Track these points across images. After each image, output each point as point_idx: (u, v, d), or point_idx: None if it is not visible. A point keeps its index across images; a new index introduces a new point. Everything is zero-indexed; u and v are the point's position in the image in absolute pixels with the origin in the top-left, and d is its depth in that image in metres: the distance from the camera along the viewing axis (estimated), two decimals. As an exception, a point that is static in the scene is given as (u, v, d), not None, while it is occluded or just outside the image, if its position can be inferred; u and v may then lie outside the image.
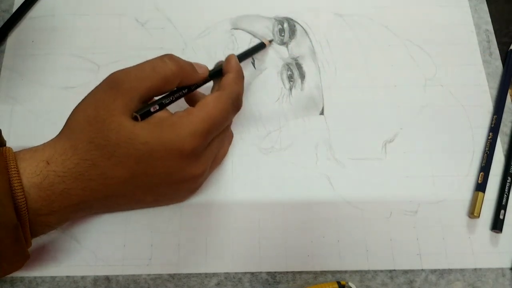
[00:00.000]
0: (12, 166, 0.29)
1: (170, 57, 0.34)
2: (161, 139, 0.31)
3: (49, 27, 0.46)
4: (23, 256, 0.31)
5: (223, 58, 0.45)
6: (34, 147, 0.31)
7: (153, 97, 0.33)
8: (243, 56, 0.41)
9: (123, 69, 0.33)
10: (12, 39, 0.46)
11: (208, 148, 0.35)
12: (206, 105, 0.33)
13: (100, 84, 0.33)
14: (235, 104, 0.35)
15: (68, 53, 0.45)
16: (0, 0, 0.48)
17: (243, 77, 0.38)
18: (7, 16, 0.46)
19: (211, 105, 0.33)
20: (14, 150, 0.31)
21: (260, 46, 0.44)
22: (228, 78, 0.36)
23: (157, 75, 0.32)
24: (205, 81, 0.37)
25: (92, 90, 0.33)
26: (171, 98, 0.34)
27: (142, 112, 0.32)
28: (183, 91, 0.35)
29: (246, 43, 0.46)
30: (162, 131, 0.31)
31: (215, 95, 0.34)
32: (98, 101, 0.32)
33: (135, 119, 0.32)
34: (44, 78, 0.44)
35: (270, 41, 0.45)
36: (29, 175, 0.30)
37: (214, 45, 0.46)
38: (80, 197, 0.31)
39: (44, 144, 0.32)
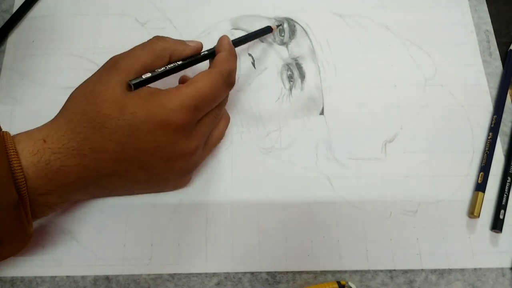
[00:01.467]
0: (11, 147, 0.30)
1: (158, 37, 0.36)
2: (149, 111, 0.32)
3: (49, 27, 0.46)
4: (25, 236, 0.31)
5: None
6: (33, 129, 0.33)
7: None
8: (248, 38, 0.41)
9: (119, 53, 0.35)
10: (12, 39, 0.46)
11: (199, 124, 0.35)
12: (195, 81, 0.34)
13: (99, 68, 0.35)
14: (227, 81, 0.36)
15: (68, 53, 0.45)
16: (0, 0, 0.48)
17: (235, 55, 0.38)
18: (7, 16, 0.46)
19: (200, 80, 0.34)
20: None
21: (267, 30, 0.44)
22: (220, 56, 0.36)
23: (147, 52, 0.34)
24: (198, 60, 0.37)
25: (92, 74, 0.35)
26: (164, 68, 0.35)
27: (136, 81, 0.33)
28: (177, 63, 0.36)
29: (246, 43, 0.45)
30: (150, 103, 0.32)
31: (205, 71, 0.35)
32: (96, 78, 0.34)
33: (129, 88, 0.33)
34: (44, 78, 0.44)
35: (278, 26, 0.44)
36: (27, 154, 0.31)
37: (214, 45, 0.45)
38: (75, 175, 0.32)
39: (42, 125, 0.33)
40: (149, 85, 0.34)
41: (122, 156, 0.33)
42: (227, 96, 0.37)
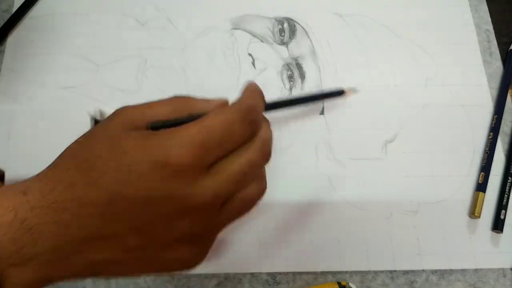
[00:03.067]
0: None
1: (178, 95, 0.30)
2: (143, 149, 0.26)
3: (49, 27, 0.46)
4: None
5: (222, 58, 0.45)
6: (21, 180, 0.27)
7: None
8: (315, 97, 0.38)
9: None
10: (12, 39, 0.46)
11: (214, 168, 0.27)
12: (204, 117, 0.28)
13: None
14: (246, 117, 0.28)
15: (68, 53, 0.45)
16: (0, 0, 0.48)
17: (259, 92, 0.31)
18: (7, 16, 0.46)
19: (210, 116, 0.27)
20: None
21: (337, 93, 0.39)
22: (241, 95, 0.30)
23: (164, 103, 0.29)
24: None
25: None
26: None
27: (157, 124, 0.28)
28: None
29: (246, 43, 0.46)
30: (147, 140, 0.26)
31: (217, 107, 0.29)
32: (99, 124, 0.29)
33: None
34: (44, 78, 0.44)
35: (353, 91, 0.40)
36: (2, 211, 0.25)
37: (214, 45, 0.45)
38: (53, 237, 0.26)
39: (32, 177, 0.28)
40: None
41: (109, 210, 0.26)
42: (265, 142, 0.29)
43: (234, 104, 0.28)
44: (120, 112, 0.28)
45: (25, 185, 0.26)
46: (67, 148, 0.28)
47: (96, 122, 0.32)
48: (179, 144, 0.26)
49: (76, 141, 0.28)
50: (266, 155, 0.29)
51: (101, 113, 0.33)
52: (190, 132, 0.26)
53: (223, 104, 0.29)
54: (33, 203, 0.25)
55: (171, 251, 0.28)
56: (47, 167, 0.28)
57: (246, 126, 0.28)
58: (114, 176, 0.26)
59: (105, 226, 0.26)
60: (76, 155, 0.27)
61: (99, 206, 0.26)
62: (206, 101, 0.29)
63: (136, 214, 0.26)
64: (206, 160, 0.26)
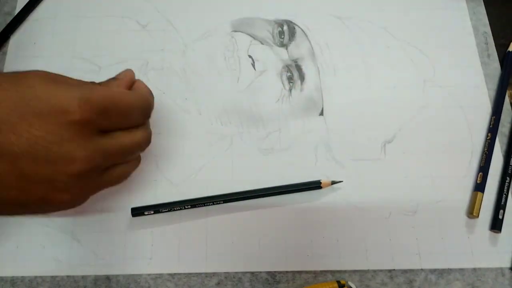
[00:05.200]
0: None
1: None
2: (50, 90, 0.27)
3: (51, 29, 0.47)
4: None
5: (223, 60, 0.46)
6: None
7: None
8: (294, 189, 0.39)
9: None
10: (14, 41, 0.46)
11: (106, 135, 0.30)
12: (111, 85, 0.32)
13: None
14: (144, 106, 0.33)
15: (70, 55, 0.45)
16: (3, 2, 0.48)
17: (151, 93, 0.35)
18: (9, 18, 0.47)
19: (119, 87, 0.32)
20: None
21: (315, 185, 0.40)
22: (142, 86, 0.35)
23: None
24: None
25: None
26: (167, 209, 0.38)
27: (137, 212, 0.37)
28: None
29: (246, 45, 0.46)
30: (55, 83, 0.27)
31: (127, 84, 0.33)
32: None
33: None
34: (45, 79, 0.44)
35: (332, 183, 0.40)
36: None
37: (214, 47, 0.46)
38: None
39: None
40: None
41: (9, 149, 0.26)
42: (148, 134, 0.34)
43: (140, 91, 0.33)
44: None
45: None
46: None
47: None
48: (86, 99, 0.27)
49: None
50: (148, 143, 0.34)
51: None
52: (99, 91, 0.28)
53: (131, 79, 0.34)
54: None
55: (47, 202, 0.29)
56: None
57: (141, 113, 0.32)
58: (12, 108, 0.26)
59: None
60: None
61: None
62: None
63: (24, 151, 0.26)
64: (101, 124, 0.29)
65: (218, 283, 0.37)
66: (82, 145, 0.28)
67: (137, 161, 0.35)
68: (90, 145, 0.28)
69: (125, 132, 0.31)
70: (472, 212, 0.39)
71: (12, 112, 0.26)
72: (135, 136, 0.32)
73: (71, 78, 0.30)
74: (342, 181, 0.40)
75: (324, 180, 0.40)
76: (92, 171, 0.29)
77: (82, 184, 0.29)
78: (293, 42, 0.46)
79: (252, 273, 0.37)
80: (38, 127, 0.26)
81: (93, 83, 0.31)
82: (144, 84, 0.35)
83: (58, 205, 0.30)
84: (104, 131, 0.30)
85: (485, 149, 0.42)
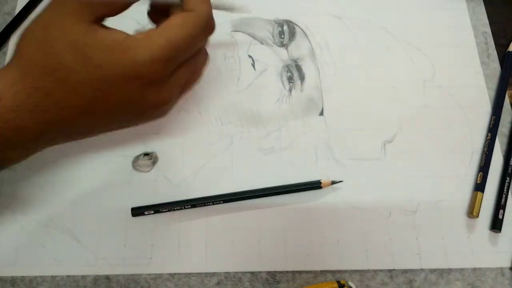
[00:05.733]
0: None
1: None
2: (115, 63, 0.28)
3: (51, 29, 0.47)
4: None
5: (223, 60, 0.46)
6: None
7: (106, 12, 0.31)
8: (294, 189, 0.40)
9: None
10: (14, 41, 0.46)
11: (174, 75, 0.31)
12: (169, 29, 0.30)
13: (47, 6, 0.30)
14: (207, 27, 0.32)
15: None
16: (3, 2, 0.48)
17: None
18: (9, 18, 0.47)
19: (175, 30, 0.30)
20: None
21: (315, 185, 0.40)
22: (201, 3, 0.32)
23: None
24: None
25: (37, 15, 0.30)
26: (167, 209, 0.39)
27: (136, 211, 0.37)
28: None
29: (246, 45, 0.46)
30: (117, 54, 0.29)
31: (180, 17, 0.31)
32: (45, 20, 0.29)
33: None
34: (45, 79, 0.44)
35: (332, 183, 0.40)
36: None
37: (214, 47, 0.46)
38: (38, 132, 0.29)
39: None
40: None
41: (90, 109, 0.29)
42: (207, 40, 0.34)
43: (193, 12, 0.31)
44: (62, 4, 0.29)
45: None
46: (24, 45, 0.29)
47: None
48: (149, 60, 0.29)
49: (32, 40, 0.29)
50: (206, 61, 0.35)
51: None
52: (158, 47, 0.29)
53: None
54: (12, 108, 0.28)
55: (142, 122, 0.33)
56: (12, 64, 0.29)
57: (206, 34, 0.33)
58: (91, 86, 0.29)
59: (86, 120, 0.30)
60: (44, 63, 0.28)
61: (80, 107, 0.29)
62: None
63: (114, 111, 0.30)
64: (171, 68, 0.31)
65: (218, 283, 0.37)
66: (161, 92, 0.31)
67: (204, 57, 0.36)
68: (167, 87, 0.31)
69: (189, 61, 0.32)
70: (472, 212, 0.39)
71: (94, 90, 0.29)
72: (196, 62, 0.34)
73: (124, 36, 0.30)
74: (342, 181, 0.40)
75: (324, 180, 0.40)
76: (172, 102, 0.33)
77: (166, 110, 0.33)
78: (293, 42, 0.46)
79: (252, 273, 0.37)
80: (121, 95, 0.29)
81: (149, 35, 0.30)
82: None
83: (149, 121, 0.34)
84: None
85: (485, 149, 0.42)
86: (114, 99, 0.29)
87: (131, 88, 0.29)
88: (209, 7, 0.32)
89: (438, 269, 0.38)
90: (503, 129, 0.43)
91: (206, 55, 0.36)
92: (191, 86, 0.35)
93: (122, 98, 0.30)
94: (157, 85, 0.30)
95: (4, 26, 0.46)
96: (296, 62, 0.45)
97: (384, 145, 0.42)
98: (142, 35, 0.29)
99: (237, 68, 0.45)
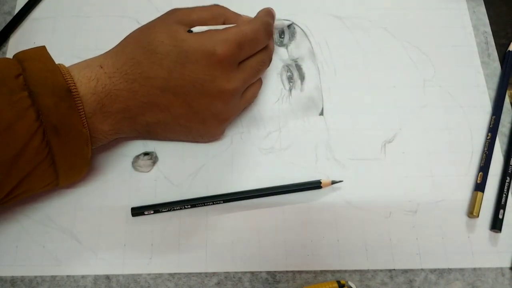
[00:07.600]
0: (69, 78, 0.33)
1: (217, 4, 0.43)
2: (197, 39, 0.35)
3: (51, 28, 0.47)
4: (82, 150, 0.34)
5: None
6: (87, 59, 0.36)
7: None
8: (294, 189, 0.40)
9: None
10: (14, 40, 0.46)
11: (242, 65, 0.37)
12: (240, 24, 0.38)
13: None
14: (267, 29, 0.39)
15: (69, 54, 0.45)
16: (2, 2, 0.48)
17: (273, 14, 0.41)
18: (9, 18, 0.47)
19: (243, 24, 0.37)
20: None
21: (315, 185, 0.40)
22: (260, 12, 0.41)
23: (206, 10, 0.39)
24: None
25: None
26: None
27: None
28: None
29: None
30: (200, 36, 0.35)
31: (247, 18, 0.40)
32: (154, 21, 0.38)
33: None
34: (45, 79, 0.44)
35: (332, 183, 0.40)
36: (86, 80, 0.34)
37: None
38: (124, 100, 0.35)
39: (97, 55, 0.36)
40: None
41: (168, 85, 0.35)
42: (270, 51, 0.41)
43: (257, 18, 0.39)
44: (173, 11, 0.38)
45: (100, 61, 0.35)
46: (130, 34, 0.37)
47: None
48: (224, 39, 0.35)
49: (138, 29, 0.37)
50: (270, 60, 0.41)
51: None
52: (231, 32, 0.36)
53: (249, 19, 0.40)
54: (110, 74, 0.34)
55: (206, 125, 0.38)
56: (115, 46, 0.37)
57: (266, 35, 0.39)
58: (174, 58, 0.35)
59: (164, 97, 0.35)
60: (140, 39, 0.36)
61: (160, 80, 0.35)
62: (237, 14, 0.40)
63: (187, 90, 0.35)
64: (240, 55, 0.37)
65: (218, 283, 0.37)
66: (229, 78, 0.36)
67: (260, 81, 0.42)
68: (234, 77, 0.36)
69: (254, 57, 0.38)
70: (472, 212, 0.39)
71: (175, 63, 0.34)
72: (261, 58, 0.39)
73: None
74: (342, 181, 0.40)
75: (324, 179, 0.40)
76: (237, 97, 0.38)
77: (230, 108, 0.38)
78: (293, 42, 0.46)
79: (252, 273, 0.37)
80: (196, 71, 0.35)
81: (226, 28, 0.37)
82: (262, 11, 0.41)
83: (212, 128, 0.39)
84: (240, 62, 0.38)
85: (485, 149, 0.42)
86: (189, 74, 0.35)
87: (205, 65, 0.35)
88: (270, 19, 0.40)
89: (438, 269, 0.38)
90: (503, 129, 0.43)
91: (261, 80, 0.42)
92: (249, 99, 0.41)
93: (196, 74, 0.35)
94: (226, 67, 0.35)
95: (3, 25, 0.46)
96: (296, 62, 0.45)
97: (384, 145, 0.42)
98: (221, 28, 0.37)
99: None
